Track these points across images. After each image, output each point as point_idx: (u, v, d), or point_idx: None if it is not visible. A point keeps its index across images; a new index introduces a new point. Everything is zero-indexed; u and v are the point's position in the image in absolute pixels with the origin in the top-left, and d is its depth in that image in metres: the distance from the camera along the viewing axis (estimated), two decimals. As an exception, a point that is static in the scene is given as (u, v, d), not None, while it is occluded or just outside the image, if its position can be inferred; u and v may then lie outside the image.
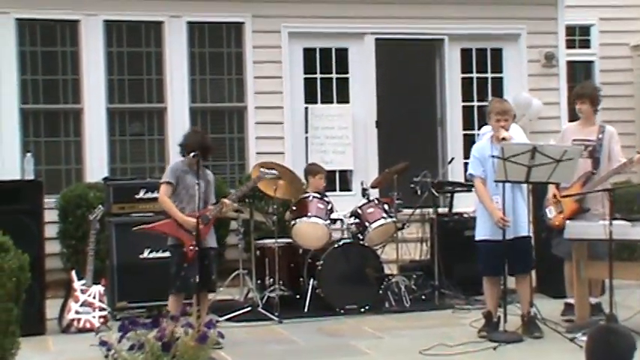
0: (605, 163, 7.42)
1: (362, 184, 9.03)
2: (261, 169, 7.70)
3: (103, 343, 4.80)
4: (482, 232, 7.17)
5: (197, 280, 6.83)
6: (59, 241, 9.78)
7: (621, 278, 6.95)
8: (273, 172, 7.77)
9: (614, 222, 6.51)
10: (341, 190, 11.11)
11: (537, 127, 11.28)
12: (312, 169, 9.12)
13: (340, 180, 11.22)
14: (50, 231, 9.04)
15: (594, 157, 7.38)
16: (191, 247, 6.92)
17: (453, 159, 10.35)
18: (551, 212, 7.49)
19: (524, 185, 7.06)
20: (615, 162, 7.39)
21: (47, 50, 10.56)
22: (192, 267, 6.90)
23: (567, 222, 7.14)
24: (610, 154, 7.43)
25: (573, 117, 8.35)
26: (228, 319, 7.84)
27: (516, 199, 7.03)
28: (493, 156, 6.85)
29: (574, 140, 7.38)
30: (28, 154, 9.08)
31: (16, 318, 4.62)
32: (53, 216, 9.54)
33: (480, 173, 7.10)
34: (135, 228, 7.76)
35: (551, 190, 7.42)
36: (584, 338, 6.12)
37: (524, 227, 7.06)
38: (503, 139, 6.93)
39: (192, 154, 6.95)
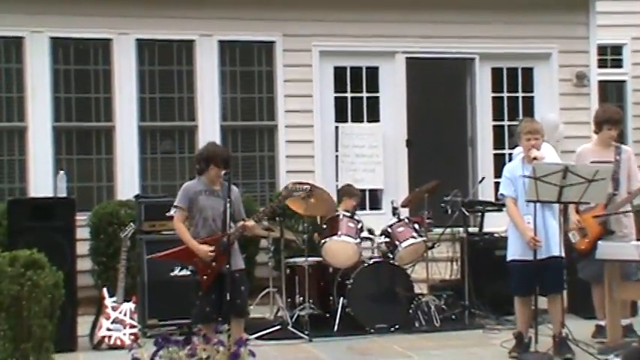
0: (624, 183, 7.39)
1: (392, 203, 9.02)
2: (289, 185, 7.61)
3: (135, 361, 4.84)
4: (513, 252, 7.12)
5: (213, 309, 6.51)
6: (90, 258, 9.85)
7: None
8: (304, 187, 7.69)
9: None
10: (371, 208, 11.10)
11: (567, 146, 11.19)
12: (349, 191, 9.14)
13: (370, 199, 11.21)
14: (81, 248, 9.06)
15: (614, 177, 7.33)
16: (205, 277, 6.60)
17: (483, 178, 10.32)
18: (574, 237, 7.43)
19: (556, 205, 7.01)
20: (635, 182, 7.38)
21: (80, 68, 10.68)
22: (208, 296, 6.58)
23: (599, 242, 7.08)
24: (629, 174, 7.40)
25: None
26: (258, 338, 7.84)
27: (547, 219, 6.97)
28: (525, 176, 6.82)
29: (592, 162, 7.32)
30: (61, 172, 9.17)
31: (51, 334, 4.66)
32: (84, 233, 9.61)
33: (512, 193, 7.07)
34: (148, 257, 7.78)
35: (573, 215, 7.32)
36: (618, 360, 6.11)
37: (555, 247, 7.00)
38: (535, 158, 6.90)
39: (223, 172, 6.78)
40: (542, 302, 7.13)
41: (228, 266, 6.46)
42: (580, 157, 7.52)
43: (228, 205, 6.50)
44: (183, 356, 4.69)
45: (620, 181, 7.34)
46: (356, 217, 8.69)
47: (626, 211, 7.05)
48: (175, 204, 6.83)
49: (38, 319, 4.49)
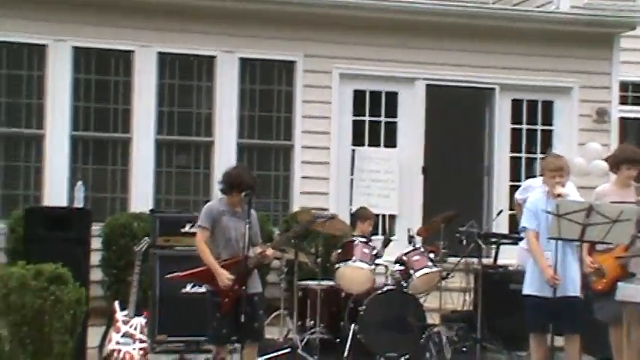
0: None
1: (409, 231, 8.95)
2: (314, 212, 7.57)
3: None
4: (531, 286, 7.04)
5: (230, 331, 6.51)
6: (101, 269, 9.79)
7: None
8: (326, 214, 7.65)
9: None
10: (383, 234, 11.00)
11: (582, 182, 11.09)
12: (362, 214, 9.05)
13: (383, 224, 11.13)
14: (92, 259, 8.99)
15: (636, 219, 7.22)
16: (226, 300, 6.56)
17: (501, 211, 10.27)
18: (591, 277, 7.32)
19: (577, 243, 6.93)
20: None
21: (101, 79, 10.66)
22: (225, 318, 6.55)
23: (619, 284, 6.97)
24: None
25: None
26: (266, 360, 7.78)
27: (567, 257, 6.89)
28: (548, 212, 6.74)
29: (612, 202, 7.23)
30: (79, 183, 9.13)
31: (71, 351, 4.59)
32: (96, 244, 9.56)
33: (535, 227, 6.99)
34: (168, 276, 7.68)
35: (586, 257, 7.19)
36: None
37: (574, 287, 6.90)
38: (559, 195, 6.83)
39: (243, 193, 6.74)
40: (560, 341, 7.05)
41: (244, 288, 6.44)
42: (599, 197, 7.41)
43: (248, 227, 6.47)
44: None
45: None
46: (371, 244, 8.62)
47: (649, 254, 6.96)
48: (199, 224, 6.79)
49: (59, 335, 4.43)
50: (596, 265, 7.11)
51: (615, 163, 7.48)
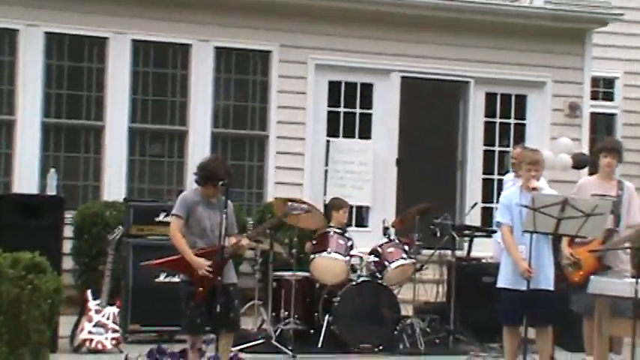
0: (625, 220, 7.34)
1: (384, 222, 8.97)
2: (289, 204, 7.54)
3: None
4: (505, 279, 7.07)
5: (204, 320, 6.45)
6: (72, 258, 9.69)
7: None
8: (302, 206, 7.63)
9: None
10: (357, 225, 11.02)
11: (555, 176, 11.20)
12: (335, 204, 9.05)
13: (357, 215, 11.14)
14: (64, 247, 8.91)
15: (615, 213, 7.28)
16: (200, 289, 6.48)
17: (475, 204, 10.31)
18: (568, 268, 7.37)
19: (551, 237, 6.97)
20: (632, 220, 7.32)
21: (73, 65, 10.54)
22: (200, 307, 6.48)
23: (592, 277, 7.04)
24: (629, 211, 7.36)
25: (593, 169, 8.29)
26: (240, 350, 7.72)
27: (542, 250, 6.93)
28: (523, 205, 6.78)
29: (593, 195, 7.28)
30: (52, 170, 9.02)
31: (48, 341, 4.54)
32: (68, 232, 9.43)
33: (508, 221, 7.01)
34: (143, 263, 7.60)
35: (566, 249, 7.28)
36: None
37: (547, 280, 6.93)
38: (534, 188, 6.87)
39: (220, 183, 6.69)
40: (533, 333, 7.09)
41: (220, 278, 6.41)
42: (581, 190, 7.45)
43: (224, 217, 6.44)
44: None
45: (620, 218, 7.30)
46: (347, 235, 8.63)
47: (625, 247, 7.01)
48: (174, 212, 6.71)
49: (36, 324, 4.37)
50: (574, 259, 7.17)
51: (596, 154, 7.55)
